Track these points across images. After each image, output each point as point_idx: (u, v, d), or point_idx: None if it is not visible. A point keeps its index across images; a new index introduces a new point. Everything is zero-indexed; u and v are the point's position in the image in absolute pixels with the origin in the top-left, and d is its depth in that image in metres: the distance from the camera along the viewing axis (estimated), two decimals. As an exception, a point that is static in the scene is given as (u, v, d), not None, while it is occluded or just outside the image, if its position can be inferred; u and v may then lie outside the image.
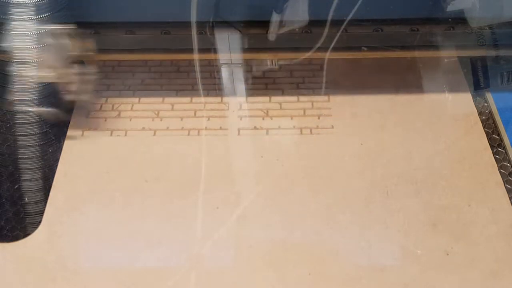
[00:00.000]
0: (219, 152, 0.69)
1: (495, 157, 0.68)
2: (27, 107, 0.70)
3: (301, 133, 0.71)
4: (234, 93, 0.76)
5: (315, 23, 0.73)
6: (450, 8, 0.72)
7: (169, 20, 0.76)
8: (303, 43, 0.74)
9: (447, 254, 0.59)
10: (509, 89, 0.75)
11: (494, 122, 0.72)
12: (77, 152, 0.69)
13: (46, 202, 0.64)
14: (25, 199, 0.67)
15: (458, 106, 0.75)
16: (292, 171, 0.67)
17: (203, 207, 0.63)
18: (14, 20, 0.66)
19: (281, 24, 0.73)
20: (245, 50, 0.76)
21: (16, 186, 0.68)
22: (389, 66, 0.78)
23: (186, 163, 0.68)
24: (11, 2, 0.66)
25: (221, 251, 0.59)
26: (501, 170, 0.67)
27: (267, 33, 0.74)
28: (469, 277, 0.57)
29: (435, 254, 0.59)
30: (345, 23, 0.67)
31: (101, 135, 0.71)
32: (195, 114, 0.74)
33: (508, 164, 0.67)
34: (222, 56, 0.77)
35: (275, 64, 0.78)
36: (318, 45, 0.71)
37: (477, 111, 0.74)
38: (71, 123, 0.72)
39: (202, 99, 0.76)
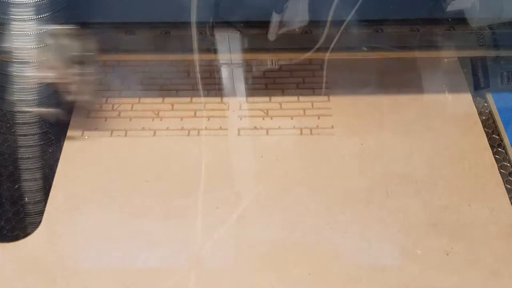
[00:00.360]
0: (219, 152, 0.69)
1: (495, 157, 0.68)
2: (27, 107, 0.70)
3: (301, 133, 0.71)
4: (234, 93, 0.77)
5: (315, 23, 0.73)
6: (450, 8, 0.72)
7: (169, 20, 0.76)
8: (303, 43, 0.74)
9: (447, 254, 0.59)
10: (509, 89, 0.75)
11: (494, 122, 0.72)
12: (77, 152, 0.69)
13: (46, 202, 0.64)
14: (25, 199, 0.67)
15: (458, 106, 0.75)
16: (292, 171, 0.67)
17: (203, 207, 0.63)
18: (14, 20, 0.66)
19: (281, 24, 0.73)
20: (245, 50, 0.76)
21: (16, 186, 0.68)
22: (389, 66, 0.78)
23: (186, 163, 0.68)
24: (11, 2, 0.66)
25: (221, 251, 0.59)
26: (501, 170, 0.67)
27: (267, 33, 0.74)
28: (469, 277, 0.57)
29: (435, 254, 0.59)
30: (345, 23, 0.67)
31: (101, 135, 0.71)
32: (195, 114, 0.74)
33: (508, 164, 0.67)
34: (222, 56, 0.77)
35: (275, 64, 0.78)
36: (318, 45, 0.71)
37: (477, 111, 0.74)
38: (71, 123, 0.72)
39: (202, 99, 0.76)
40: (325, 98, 0.75)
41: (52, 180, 0.66)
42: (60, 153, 0.69)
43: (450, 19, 0.75)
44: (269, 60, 0.78)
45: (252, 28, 0.75)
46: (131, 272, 0.58)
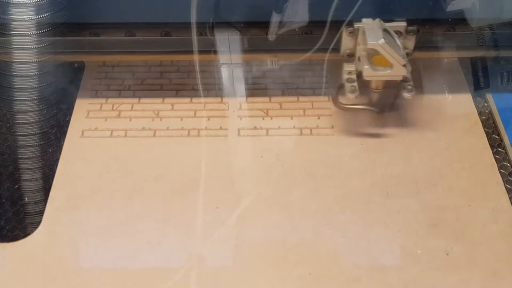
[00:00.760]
0: (219, 152, 0.69)
1: (495, 157, 0.68)
2: (28, 107, 0.70)
3: (301, 133, 0.71)
4: (234, 93, 0.77)
5: (315, 24, 0.73)
6: (450, 8, 0.72)
7: (169, 21, 0.76)
8: (303, 43, 0.74)
9: (447, 254, 0.59)
10: (509, 89, 0.75)
11: (494, 122, 0.72)
12: (77, 152, 0.69)
13: (46, 202, 0.64)
14: (25, 199, 0.67)
15: (458, 106, 0.75)
16: (292, 171, 0.67)
17: (203, 207, 0.63)
18: (14, 20, 0.66)
19: (281, 24, 0.73)
20: (245, 50, 0.76)
21: (16, 186, 0.68)
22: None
23: (186, 163, 0.68)
24: (11, 2, 0.66)
25: (221, 251, 0.59)
26: (501, 170, 0.67)
27: (267, 33, 0.74)
28: (469, 277, 0.57)
29: (435, 254, 0.59)
30: (345, 23, 0.67)
31: (101, 135, 0.71)
32: (195, 114, 0.74)
33: (508, 164, 0.67)
34: (222, 56, 0.77)
35: (275, 64, 0.78)
36: (318, 45, 0.71)
37: (477, 111, 0.74)
38: (71, 123, 0.72)
39: (202, 99, 0.76)
40: (325, 98, 0.75)
41: (52, 180, 0.66)
42: (60, 153, 0.69)
43: (450, 19, 0.75)
44: (269, 60, 0.78)
45: (252, 28, 0.75)
46: (131, 272, 0.58)
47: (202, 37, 0.73)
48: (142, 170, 0.67)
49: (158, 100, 0.76)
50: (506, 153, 0.68)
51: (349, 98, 0.67)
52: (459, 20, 0.74)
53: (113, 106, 0.75)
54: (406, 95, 0.67)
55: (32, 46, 0.68)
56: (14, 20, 0.67)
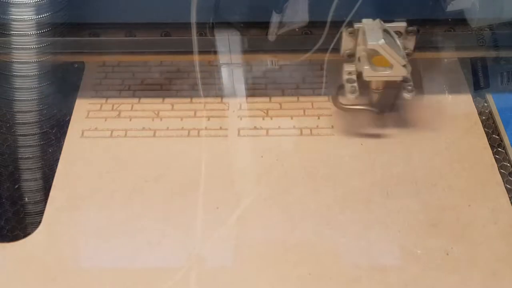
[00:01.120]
0: (219, 152, 0.69)
1: (495, 157, 0.68)
2: (28, 107, 0.70)
3: (301, 133, 0.71)
4: (234, 93, 0.77)
5: (315, 24, 0.73)
6: (450, 8, 0.72)
7: (169, 21, 0.76)
8: (303, 43, 0.74)
9: (447, 254, 0.59)
10: (509, 89, 0.75)
11: (494, 122, 0.72)
12: (77, 152, 0.69)
13: (46, 202, 0.64)
14: (25, 199, 0.67)
15: (458, 106, 0.75)
16: (292, 171, 0.67)
17: (203, 207, 0.63)
18: (14, 20, 0.66)
19: (281, 24, 0.73)
20: (245, 50, 0.76)
21: (16, 186, 0.68)
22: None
23: (186, 163, 0.68)
24: (11, 2, 0.66)
25: (221, 251, 0.59)
26: (501, 170, 0.67)
27: (267, 33, 0.74)
28: (469, 277, 0.57)
29: (435, 254, 0.59)
30: (345, 23, 0.67)
31: (101, 135, 0.71)
32: (195, 114, 0.74)
33: (508, 164, 0.67)
34: (222, 56, 0.77)
35: (275, 64, 0.78)
36: (318, 45, 0.71)
37: (477, 111, 0.74)
38: (71, 123, 0.72)
39: (202, 99, 0.76)
40: (325, 98, 0.75)
41: (52, 180, 0.66)
42: (60, 153, 0.69)
43: (450, 19, 0.75)
44: (269, 60, 0.78)
45: (252, 28, 0.75)
46: (131, 272, 0.58)
47: (202, 37, 0.73)
48: (142, 170, 0.67)
49: (158, 100, 0.76)
50: (506, 153, 0.68)
51: (349, 98, 0.67)
52: (459, 20, 0.74)
53: (113, 106, 0.75)
54: (406, 95, 0.67)
55: (32, 46, 0.68)
56: (14, 20, 0.67)
